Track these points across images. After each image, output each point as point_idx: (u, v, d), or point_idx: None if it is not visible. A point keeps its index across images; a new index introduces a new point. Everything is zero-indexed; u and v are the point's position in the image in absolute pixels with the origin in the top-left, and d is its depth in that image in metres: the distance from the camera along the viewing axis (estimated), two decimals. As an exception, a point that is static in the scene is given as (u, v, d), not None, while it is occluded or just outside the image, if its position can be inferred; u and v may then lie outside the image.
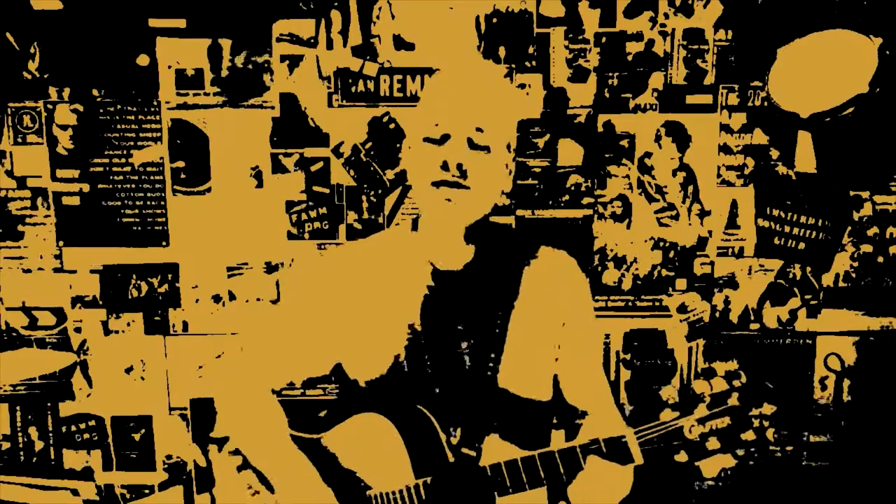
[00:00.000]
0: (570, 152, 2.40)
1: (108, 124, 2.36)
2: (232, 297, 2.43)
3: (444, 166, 1.46)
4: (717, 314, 2.47)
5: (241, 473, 1.62)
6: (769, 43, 2.32)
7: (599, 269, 2.45)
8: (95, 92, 2.34)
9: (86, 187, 2.38)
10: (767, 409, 1.34)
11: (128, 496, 2.49)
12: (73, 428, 2.47)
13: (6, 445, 2.47)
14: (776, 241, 2.44)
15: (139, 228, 2.40)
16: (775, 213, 2.42)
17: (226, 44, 2.33)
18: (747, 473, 2.50)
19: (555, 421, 1.72)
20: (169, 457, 2.49)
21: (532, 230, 2.42)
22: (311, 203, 2.41)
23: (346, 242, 2.42)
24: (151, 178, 2.39)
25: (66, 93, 2.34)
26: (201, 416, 2.47)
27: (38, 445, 2.48)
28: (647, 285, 2.46)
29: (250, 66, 2.34)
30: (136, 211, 2.39)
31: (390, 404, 1.54)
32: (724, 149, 2.40)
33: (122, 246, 2.41)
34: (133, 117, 2.36)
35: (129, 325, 2.43)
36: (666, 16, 2.34)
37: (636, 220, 2.43)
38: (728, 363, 1.41)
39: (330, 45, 2.35)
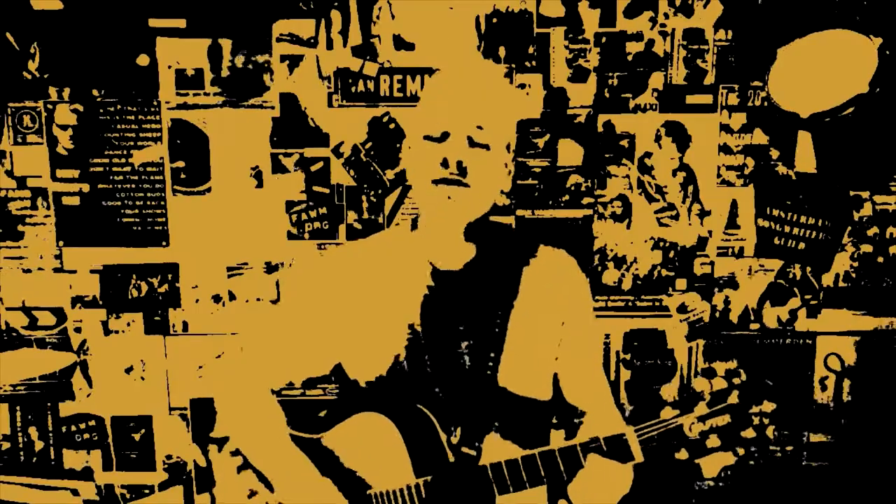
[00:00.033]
0: (570, 152, 2.40)
1: (108, 124, 2.36)
2: (232, 297, 2.43)
3: (444, 163, 1.47)
4: (717, 314, 2.47)
5: (241, 473, 1.62)
6: (769, 43, 2.32)
7: (599, 269, 2.45)
8: (95, 92, 2.34)
9: (86, 187, 2.38)
10: (767, 406, 1.34)
11: (128, 496, 2.49)
12: (73, 428, 2.47)
13: (6, 445, 2.47)
14: (776, 241, 2.44)
15: (139, 228, 2.40)
16: (775, 213, 2.42)
17: (226, 44, 2.33)
18: (747, 473, 2.50)
19: (554, 421, 1.72)
20: (169, 457, 2.49)
21: (532, 230, 2.42)
22: (311, 203, 2.41)
23: (346, 242, 2.42)
24: (151, 178, 2.39)
25: (66, 93, 2.34)
26: (201, 416, 2.46)
27: (38, 445, 2.47)
28: (647, 285, 2.46)
29: (250, 66, 2.34)
30: (136, 211, 2.39)
31: (390, 404, 1.54)
32: (724, 149, 2.40)
33: (122, 246, 2.41)
34: (133, 117, 2.36)
35: (129, 325, 2.43)
36: (666, 16, 2.34)
37: (636, 220, 2.43)
38: (728, 363, 1.42)
39: (330, 45, 2.35)
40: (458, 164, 1.46)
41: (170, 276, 2.42)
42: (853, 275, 2.45)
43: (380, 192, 2.41)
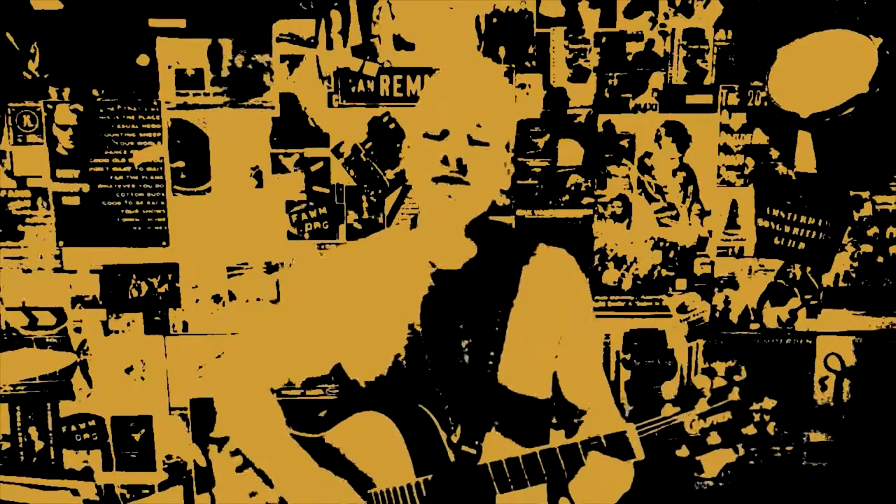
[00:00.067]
0: (570, 152, 2.40)
1: (108, 124, 2.36)
2: (232, 297, 2.43)
3: (444, 161, 1.47)
4: (717, 314, 2.47)
5: (241, 473, 1.62)
6: (769, 43, 2.32)
7: (599, 269, 2.45)
8: (95, 92, 2.34)
9: (86, 187, 2.38)
10: (768, 403, 1.34)
11: (128, 496, 2.49)
12: (73, 428, 2.46)
13: (6, 445, 2.47)
14: (776, 241, 2.44)
15: (139, 228, 2.40)
16: (775, 213, 2.42)
17: (226, 44, 2.34)
18: (747, 473, 2.49)
19: (554, 421, 1.72)
20: (169, 457, 2.49)
21: (532, 230, 2.42)
22: (311, 203, 2.41)
23: (346, 242, 2.42)
24: (151, 178, 2.39)
25: (66, 93, 2.34)
26: (201, 416, 2.46)
27: (38, 445, 2.47)
28: (647, 285, 2.46)
29: (250, 66, 2.34)
30: (136, 211, 2.39)
31: (391, 403, 1.54)
32: (724, 149, 2.40)
33: (122, 246, 2.41)
34: (133, 117, 2.36)
35: (129, 325, 2.43)
36: (666, 16, 2.34)
37: (636, 220, 2.43)
38: (728, 363, 1.41)
39: (330, 45, 2.35)
40: (458, 161, 1.47)
41: (170, 276, 2.42)
42: (853, 275, 2.45)
43: (380, 192, 2.41)
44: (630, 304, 2.46)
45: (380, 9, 2.33)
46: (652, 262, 2.45)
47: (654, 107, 2.37)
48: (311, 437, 1.61)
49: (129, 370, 2.45)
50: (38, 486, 2.46)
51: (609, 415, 1.66)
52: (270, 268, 2.43)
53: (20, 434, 2.47)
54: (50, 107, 2.34)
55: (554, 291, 1.62)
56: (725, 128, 2.39)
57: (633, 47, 2.35)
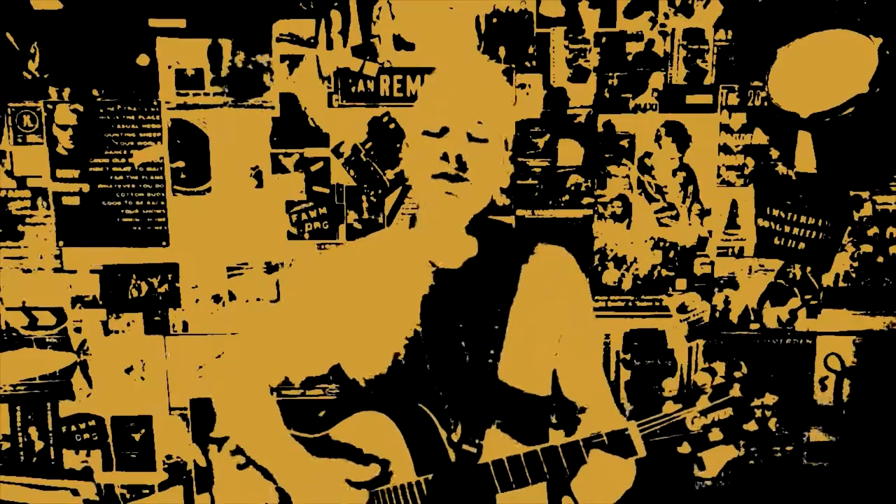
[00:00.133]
0: (570, 152, 2.40)
1: (108, 124, 2.36)
2: (232, 297, 2.43)
3: (444, 157, 1.47)
4: (717, 314, 2.47)
5: (241, 473, 1.62)
6: (769, 43, 2.33)
7: (599, 269, 2.45)
8: (95, 92, 2.34)
9: (86, 187, 2.38)
10: (769, 399, 1.34)
11: (128, 496, 2.49)
12: (73, 428, 2.46)
13: (6, 445, 2.47)
14: (776, 241, 2.44)
15: (139, 228, 2.40)
16: (775, 213, 2.42)
17: (226, 44, 2.34)
18: (748, 473, 2.49)
19: (554, 421, 1.72)
20: (169, 457, 2.49)
21: (532, 230, 2.42)
22: (311, 203, 2.41)
23: (345, 242, 2.42)
24: (151, 178, 2.39)
25: (66, 93, 2.34)
26: (201, 416, 2.46)
27: (38, 445, 2.47)
28: (647, 285, 2.46)
29: (250, 66, 2.35)
30: (136, 211, 2.39)
31: (391, 403, 1.54)
32: (724, 149, 2.40)
33: (122, 246, 2.40)
34: (133, 117, 2.36)
35: (129, 325, 2.43)
36: (666, 16, 2.34)
37: (636, 220, 2.43)
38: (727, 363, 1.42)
39: (330, 45, 2.35)
40: (458, 157, 1.47)
41: (170, 276, 2.42)
42: (853, 275, 2.45)
43: (380, 191, 2.41)
44: (630, 304, 2.46)
45: (380, 9, 2.33)
46: (652, 262, 2.45)
47: (654, 107, 2.38)
48: (311, 437, 1.61)
49: (129, 370, 2.44)
50: (38, 486, 2.46)
51: (609, 413, 1.66)
52: (270, 268, 2.42)
53: (20, 434, 2.47)
54: (50, 107, 2.34)
55: (554, 290, 1.62)
56: (725, 128, 2.39)
57: (633, 47, 2.36)
